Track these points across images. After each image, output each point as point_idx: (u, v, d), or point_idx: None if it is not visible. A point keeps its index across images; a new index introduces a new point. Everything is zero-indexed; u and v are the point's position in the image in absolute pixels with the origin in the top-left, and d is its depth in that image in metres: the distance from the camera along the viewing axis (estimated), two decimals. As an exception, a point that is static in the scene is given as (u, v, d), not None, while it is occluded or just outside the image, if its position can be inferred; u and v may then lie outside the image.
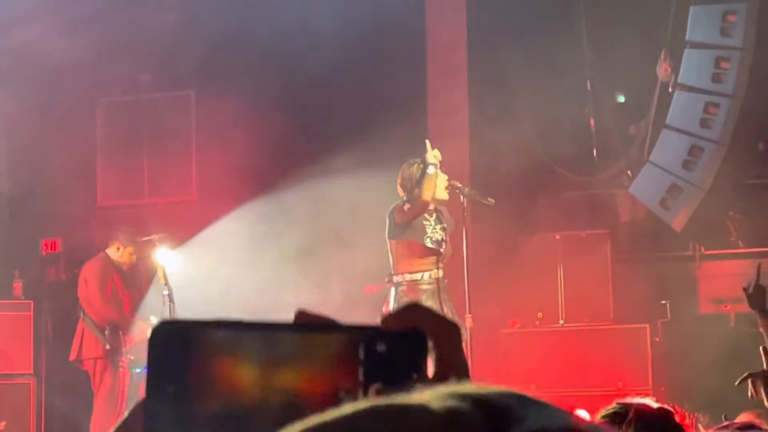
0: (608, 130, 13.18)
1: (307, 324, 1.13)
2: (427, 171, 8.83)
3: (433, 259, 8.74)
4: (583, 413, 10.21)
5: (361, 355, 1.10)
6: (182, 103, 14.35)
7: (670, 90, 12.69)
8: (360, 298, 11.08)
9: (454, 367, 1.10)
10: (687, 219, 12.46)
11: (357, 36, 12.51)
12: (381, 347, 1.10)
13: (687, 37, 12.60)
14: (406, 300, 8.66)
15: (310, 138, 13.30)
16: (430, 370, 1.10)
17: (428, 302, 8.72)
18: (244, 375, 1.12)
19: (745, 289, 7.05)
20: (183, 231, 12.64)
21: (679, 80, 12.58)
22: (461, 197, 8.96)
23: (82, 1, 13.33)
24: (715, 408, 8.10)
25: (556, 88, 12.48)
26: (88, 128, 14.45)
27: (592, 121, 13.09)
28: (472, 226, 11.25)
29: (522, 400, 0.96)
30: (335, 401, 1.08)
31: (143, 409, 1.12)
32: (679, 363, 11.40)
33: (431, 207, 8.89)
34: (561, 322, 11.94)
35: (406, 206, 9.00)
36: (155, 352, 1.12)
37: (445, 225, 8.87)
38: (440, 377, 1.09)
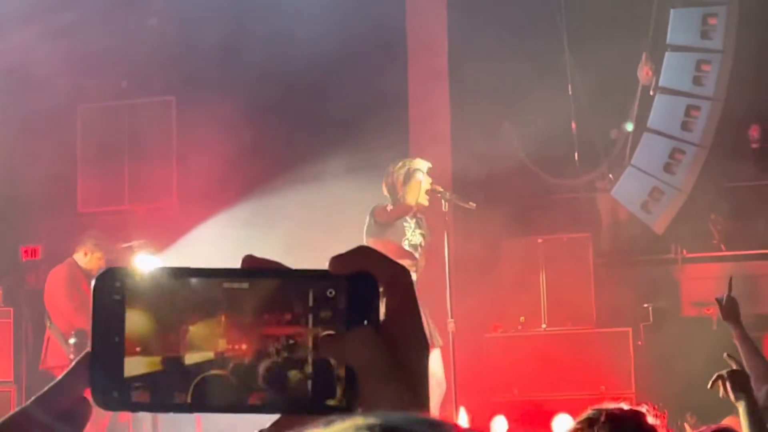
0: (590, 134, 13.18)
1: (255, 269, 1.11)
2: (415, 176, 8.79)
3: (407, 263, 8.70)
4: (566, 418, 10.18)
5: (311, 300, 1.08)
6: (163, 109, 14.30)
7: (651, 93, 12.71)
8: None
9: (404, 312, 1.09)
10: (669, 222, 12.47)
11: (338, 42, 12.49)
12: (331, 292, 1.08)
13: (668, 41, 12.62)
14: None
15: (292, 143, 13.27)
16: (381, 314, 1.08)
17: None
18: (186, 324, 1.09)
19: (718, 301, 7.06)
20: (164, 237, 12.59)
21: (660, 83, 12.60)
22: (442, 202, 8.92)
23: (61, 7, 13.26)
24: (698, 411, 8.11)
25: (537, 92, 12.46)
26: (68, 135, 14.38)
27: (573, 125, 13.09)
28: (454, 230, 11.24)
29: (433, 426, 0.93)
30: (285, 349, 1.07)
31: (88, 359, 1.10)
32: (662, 366, 11.39)
33: (413, 211, 8.86)
34: (543, 326, 11.93)
35: (389, 207, 8.97)
36: (96, 302, 1.10)
37: (424, 232, 8.83)
38: (391, 323, 1.08)
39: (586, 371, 11.44)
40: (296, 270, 1.10)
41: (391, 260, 1.10)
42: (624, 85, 12.82)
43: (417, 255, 8.76)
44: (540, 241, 12.11)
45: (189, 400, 1.09)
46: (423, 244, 8.81)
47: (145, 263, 11.31)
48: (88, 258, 11.72)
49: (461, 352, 10.23)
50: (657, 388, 11.09)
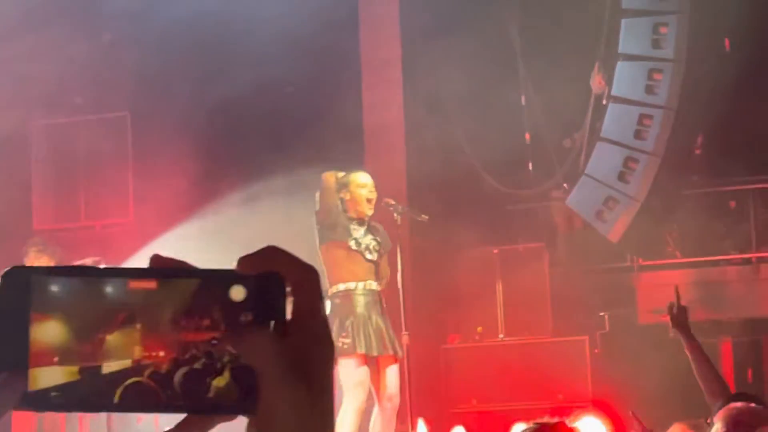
0: (544, 144, 13.23)
1: (163, 269, 1.10)
2: (349, 188, 8.75)
3: (366, 267, 8.66)
4: (523, 427, 10.19)
5: (218, 300, 1.09)
6: (117, 125, 14.25)
7: (604, 102, 12.76)
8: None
9: (310, 312, 1.09)
10: (624, 230, 12.51)
11: (293, 57, 12.50)
12: (238, 291, 1.08)
13: (620, 50, 12.68)
14: (343, 314, 8.60)
15: (247, 158, 13.25)
16: (288, 314, 1.08)
17: (364, 314, 8.66)
18: (89, 327, 1.09)
19: (669, 310, 7.08)
20: (120, 253, 12.53)
21: (613, 92, 12.65)
22: (395, 215, 8.93)
23: (14, 23, 13.20)
24: (654, 418, 8.14)
25: (491, 102, 12.51)
26: (23, 151, 14.31)
27: (527, 135, 13.14)
28: (410, 242, 11.25)
29: None
30: (192, 350, 1.07)
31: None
32: (619, 374, 11.43)
33: (363, 218, 8.82)
34: (501, 336, 11.97)
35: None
36: (1, 303, 1.09)
37: (379, 239, 8.81)
38: (297, 322, 1.08)
39: (544, 380, 11.48)
40: (204, 269, 1.10)
41: (299, 260, 1.10)
42: (577, 95, 12.86)
43: (370, 256, 8.72)
44: (496, 251, 12.16)
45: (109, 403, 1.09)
46: (378, 249, 8.78)
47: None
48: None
49: (419, 364, 10.24)
50: (614, 396, 11.14)
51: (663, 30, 12.56)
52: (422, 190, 12.13)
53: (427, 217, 9.07)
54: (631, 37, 12.65)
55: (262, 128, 13.35)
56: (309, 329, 1.09)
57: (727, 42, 13.43)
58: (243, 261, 1.09)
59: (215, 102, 13.14)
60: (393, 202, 8.93)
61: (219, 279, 1.09)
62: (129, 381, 1.09)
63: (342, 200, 8.85)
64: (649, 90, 12.53)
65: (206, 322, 1.09)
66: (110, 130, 14.23)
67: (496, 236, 12.43)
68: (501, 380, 11.60)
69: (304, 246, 9.19)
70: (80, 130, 14.28)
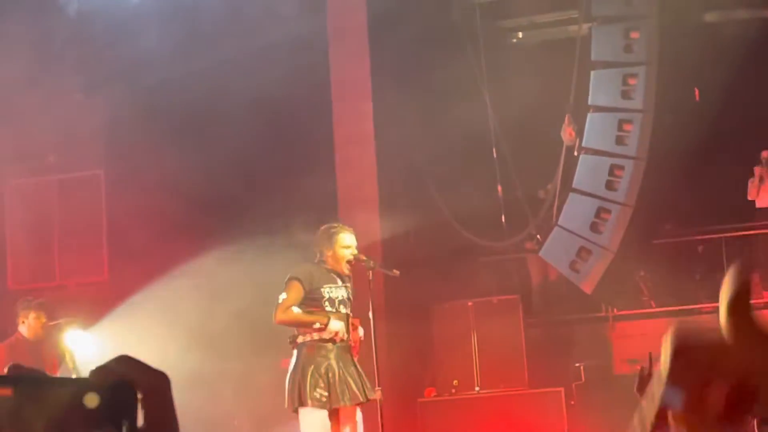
0: (516, 196, 13.29)
1: (17, 377, 1.14)
2: (335, 246, 8.83)
3: (339, 322, 8.71)
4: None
5: (72, 409, 1.12)
6: (91, 183, 14.25)
7: (575, 154, 12.84)
8: (278, 372, 11.07)
9: (161, 416, 1.15)
10: (598, 281, 12.55)
11: (264, 112, 12.56)
12: (92, 399, 1.12)
13: (589, 101, 12.77)
14: (309, 362, 8.61)
15: (222, 214, 13.26)
16: (140, 420, 1.13)
17: (333, 364, 8.67)
18: None
19: (640, 372, 6.92)
20: (95, 312, 12.50)
21: (584, 144, 12.73)
22: (368, 270, 8.94)
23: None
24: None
25: (463, 156, 12.58)
26: (-3, 211, 14.32)
27: (499, 188, 13.19)
28: (384, 296, 11.25)
29: None
30: None
31: None
32: (595, 425, 11.43)
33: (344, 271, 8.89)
34: (477, 388, 11.96)
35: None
36: None
37: (350, 286, 8.89)
38: (149, 426, 1.13)
39: (521, 432, 11.48)
40: (59, 378, 1.15)
41: (150, 368, 1.16)
42: (548, 147, 12.95)
43: (344, 310, 8.77)
44: (470, 303, 12.17)
45: None
46: (350, 298, 8.83)
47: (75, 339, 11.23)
48: (26, 325, 11.40)
49: (395, 417, 10.22)
50: (591, 447, 11.13)
51: (632, 81, 12.66)
52: (396, 244, 12.15)
53: (398, 273, 9.07)
54: (600, 88, 12.75)
55: (237, 187, 13.37)
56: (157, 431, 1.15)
57: (696, 92, 13.55)
58: (95, 372, 1.14)
59: (190, 160, 13.17)
60: (365, 258, 8.94)
61: (74, 387, 1.13)
62: None
63: (322, 252, 8.91)
64: (619, 141, 12.61)
65: (62, 427, 1.12)
66: (84, 188, 14.23)
67: (470, 289, 12.45)
68: (478, 433, 11.59)
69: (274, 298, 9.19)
70: (54, 189, 14.28)
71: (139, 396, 1.14)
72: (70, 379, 1.14)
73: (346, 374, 8.70)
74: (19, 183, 14.50)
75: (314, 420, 8.61)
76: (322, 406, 8.57)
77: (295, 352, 8.84)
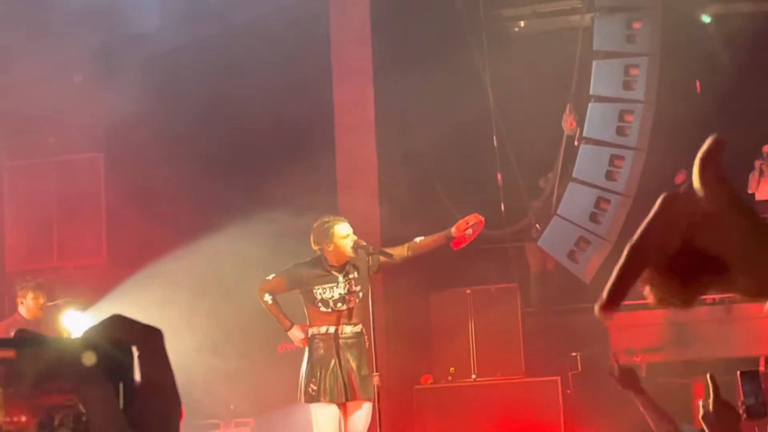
0: (516, 185, 13.28)
1: (20, 339, 1.17)
2: (333, 237, 8.82)
3: (328, 314, 8.74)
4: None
5: (73, 365, 1.15)
6: (91, 166, 14.24)
7: (575, 143, 12.83)
8: (274, 358, 11.08)
9: (157, 372, 1.18)
10: (596, 271, 12.56)
11: (267, 98, 12.55)
12: (89, 357, 1.15)
13: (591, 91, 12.77)
14: (311, 355, 8.67)
15: (220, 200, 13.24)
16: (137, 375, 1.17)
17: (328, 357, 8.67)
18: None
19: (610, 374, 6.81)
20: (93, 294, 12.50)
21: (585, 134, 12.73)
22: (366, 255, 8.94)
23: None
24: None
25: (462, 143, 12.57)
26: (-5, 192, 14.30)
27: (499, 176, 13.18)
28: (383, 282, 11.25)
29: None
30: (52, 414, 1.12)
31: None
32: (591, 415, 11.45)
33: (346, 261, 8.88)
34: (473, 376, 11.97)
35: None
36: None
37: (353, 277, 8.84)
38: (145, 383, 1.17)
39: (517, 421, 11.48)
40: (58, 338, 1.17)
41: (142, 325, 1.19)
42: (549, 136, 12.94)
43: (341, 306, 8.77)
44: (468, 291, 12.17)
45: None
46: (356, 290, 8.81)
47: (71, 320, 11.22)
48: (24, 306, 11.42)
49: (392, 404, 10.23)
50: (587, 437, 11.15)
51: (634, 72, 12.66)
52: (394, 230, 12.13)
53: (398, 259, 9.08)
54: (602, 78, 12.75)
55: (236, 169, 13.36)
56: (157, 387, 1.18)
57: (698, 84, 13.54)
58: (91, 330, 1.18)
59: (189, 143, 13.17)
60: (364, 243, 8.94)
61: (72, 346, 1.16)
62: None
63: (322, 248, 8.90)
64: (620, 131, 12.62)
65: (63, 386, 1.15)
66: (84, 170, 14.22)
67: (469, 277, 12.44)
68: (473, 421, 11.59)
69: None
70: (53, 171, 14.27)
71: (135, 353, 1.17)
72: (68, 339, 1.17)
73: (339, 369, 8.69)
74: (18, 165, 14.48)
75: (317, 415, 8.70)
76: (314, 400, 8.62)
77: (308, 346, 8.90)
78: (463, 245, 9.00)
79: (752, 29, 12.98)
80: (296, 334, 8.85)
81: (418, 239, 9.05)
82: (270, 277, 8.87)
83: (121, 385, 1.16)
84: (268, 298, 8.85)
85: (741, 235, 1.17)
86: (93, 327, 1.18)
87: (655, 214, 1.18)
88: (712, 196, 1.18)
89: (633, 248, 1.18)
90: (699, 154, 1.21)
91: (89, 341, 1.16)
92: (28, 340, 1.16)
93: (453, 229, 8.91)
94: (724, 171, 1.21)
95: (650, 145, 12.51)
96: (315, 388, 8.61)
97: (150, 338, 1.18)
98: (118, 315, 1.19)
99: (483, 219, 9.02)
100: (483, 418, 11.57)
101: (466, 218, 8.94)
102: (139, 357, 1.17)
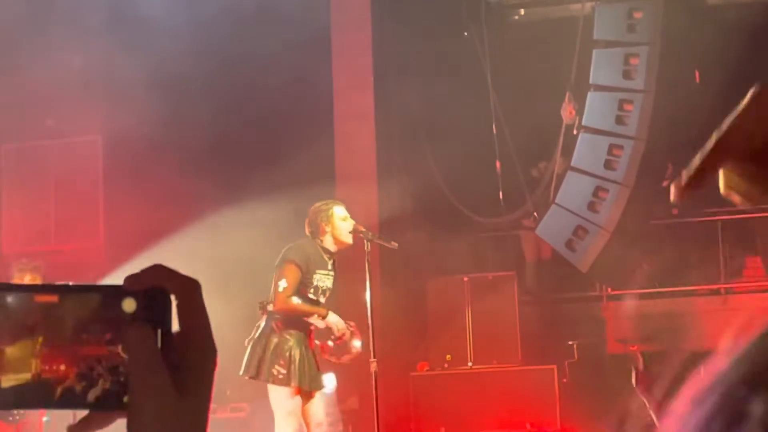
0: (514, 173, 13.27)
1: (63, 285, 1.19)
2: (332, 220, 8.75)
3: (311, 302, 8.67)
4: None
5: (113, 311, 1.18)
6: (89, 149, 14.23)
7: (574, 132, 12.82)
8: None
9: (194, 321, 1.20)
10: (593, 260, 12.56)
11: (265, 86, 12.54)
12: (130, 304, 1.18)
13: (590, 80, 12.75)
14: (273, 335, 8.51)
15: (218, 185, 13.24)
16: (175, 324, 1.19)
17: (294, 345, 8.57)
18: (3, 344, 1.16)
19: (635, 369, 6.64)
20: (91, 276, 12.50)
21: (584, 123, 12.71)
22: (365, 242, 8.93)
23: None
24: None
25: (461, 131, 12.55)
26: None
27: (497, 164, 13.17)
28: (380, 270, 11.25)
29: None
30: (95, 368, 1.16)
31: None
32: (587, 403, 11.45)
33: (333, 251, 8.83)
34: (469, 363, 11.97)
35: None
36: None
37: (334, 273, 8.80)
38: (182, 331, 1.19)
39: (512, 409, 11.50)
40: (99, 285, 1.20)
41: (182, 275, 1.21)
42: (548, 125, 12.93)
43: (323, 299, 8.72)
44: (465, 279, 12.16)
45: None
46: (330, 288, 8.75)
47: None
48: None
49: (387, 391, 10.23)
50: (582, 425, 11.16)
51: (634, 61, 12.64)
52: (393, 218, 12.15)
53: (397, 245, 9.05)
54: (602, 67, 12.73)
55: (235, 153, 13.36)
56: (193, 336, 1.19)
57: (697, 74, 13.53)
58: (129, 279, 1.20)
59: (186, 126, 13.16)
60: (363, 230, 8.92)
61: (113, 293, 1.19)
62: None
63: (319, 230, 8.81)
64: (619, 120, 12.60)
65: (103, 332, 1.18)
66: (81, 153, 14.20)
67: (466, 264, 12.44)
68: (469, 408, 11.60)
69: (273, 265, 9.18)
70: (51, 154, 14.25)
71: (174, 301, 1.19)
72: (109, 286, 1.19)
73: (305, 358, 8.62)
74: (15, 147, 14.47)
75: (278, 396, 8.54)
76: (281, 383, 8.49)
77: (264, 318, 8.75)
78: (326, 355, 8.81)
79: (752, 20, 12.96)
80: (335, 316, 8.63)
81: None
82: (282, 285, 8.60)
83: (159, 332, 1.18)
84: (295, 300, 8.60)
85: None
86: (133, 274, 1.19)
87: (745, 106, 1.17)
88: None
89: (719, 137, 1.17)
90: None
91: (128, 288, 1.18)
92: (71, 286, 1.19)
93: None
94: None
95: (649, 135, 12.49)
96: (283, 371, 8.44)
97: (188, 288, 1.20)
98: (159, 264, 1.21)
99: (354, 331, 8.79)
100: (479, 405, 11.58)
101: (338, 327, 8.68)
102: (178, 306, 1.19)
